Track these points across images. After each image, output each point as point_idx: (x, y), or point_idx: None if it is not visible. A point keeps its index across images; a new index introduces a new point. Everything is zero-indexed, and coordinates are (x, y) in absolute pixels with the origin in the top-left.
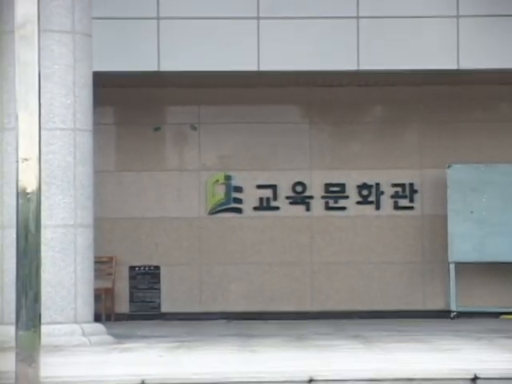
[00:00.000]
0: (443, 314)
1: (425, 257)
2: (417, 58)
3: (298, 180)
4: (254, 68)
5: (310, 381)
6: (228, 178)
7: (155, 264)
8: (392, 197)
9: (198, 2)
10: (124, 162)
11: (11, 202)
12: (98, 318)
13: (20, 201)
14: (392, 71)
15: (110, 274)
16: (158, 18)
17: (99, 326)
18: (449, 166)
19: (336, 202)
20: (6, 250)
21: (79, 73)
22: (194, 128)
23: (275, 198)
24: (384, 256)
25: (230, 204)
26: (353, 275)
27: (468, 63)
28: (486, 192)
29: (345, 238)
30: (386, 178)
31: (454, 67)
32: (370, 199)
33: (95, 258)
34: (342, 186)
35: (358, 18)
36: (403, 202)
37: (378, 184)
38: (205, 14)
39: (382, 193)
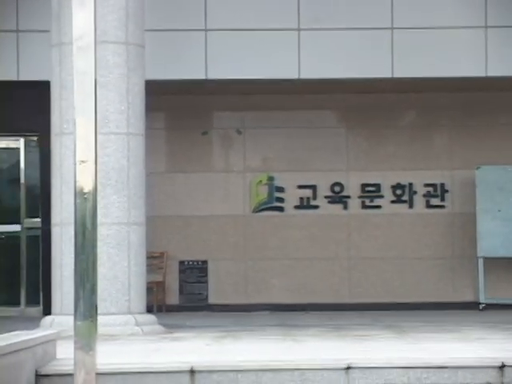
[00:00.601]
0: (472, 306)
1: (455, 252)
2: (447, 66)
3: (336, 180)
4: (294, 76)
5: (348, 368)
6: (271, 178)
7: (203, 259)
8: (424, 196)
9: (242, 14)
10: (174, 164)
11: (69, 201)
12: (150, 309)
13: (78, 200)
14: (424, 78)
15: (161, 268)
16: (206, 30)
17: (151, 317)
18: (477, 168)
19: (372, 201)
20: (64, 246)
21: (132, 81)
22: (239, 132)
23: (315, 198)
24: (416, 251)
25: (272, 203)
26: (387, 269)
27: (495, 71)
28: None
29: (380, 234)
30: (418, 179)
31: (482, 74)
32: (404, 198)
33: (147, 253)
34: (378, 186)
35: (392, 29)
36: (435, 201)
37: (411, 184)
38: (249, 26)
39: (415, 192)
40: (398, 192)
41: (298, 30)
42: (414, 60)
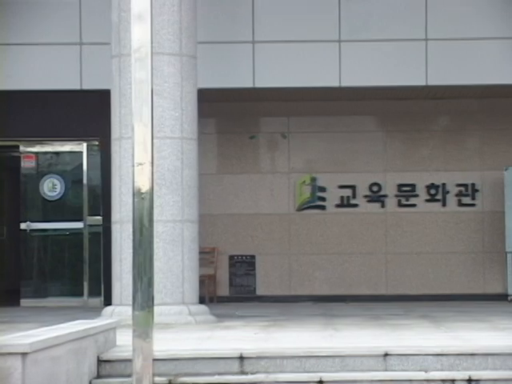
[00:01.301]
0: (501, 298)
1: (485, 247)
2: (477, 74)
3: (374, 181)
4: (335, 84)
5: (385, 355)
6: (313, 179)
7: (251, 253)
8: (456, 195)
9: (287, 28)
10: (224, 165)
11: (128, 200)
12: (202, 300)
13: (135, 199)
14: (455, 86)
15: (212, 263)
16: (253, 42)
17: (203, 307)
18: (506, 168)
19: (407, 200)
20: (123, 242)
21: (186, 89)
22: (284, 136)
23: (354, 197)
24: (449, 247)
25: (315, 202)
26: (422, 263)
27: None
28: None
29: (415, 231)
30: (451, 179)
31: (510, 82)
32: (437, 197)
33: (200, 248)
34: (413, 186)
35: (426, 40)
36: (466, 200)
37: (444, 184)
38: (293, 38)
39: (448, 192)
40: (432, 191)
41: (339, 41)
42: (447, 69)
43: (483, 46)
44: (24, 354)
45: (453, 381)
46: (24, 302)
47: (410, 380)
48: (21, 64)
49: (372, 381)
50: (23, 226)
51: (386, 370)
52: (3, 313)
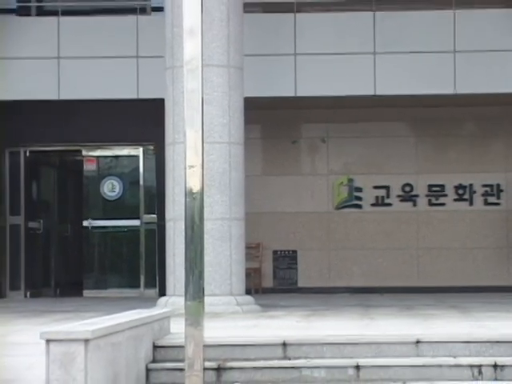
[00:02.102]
0: None
1: (509, 243)
2: (501, 83)
3: (406, 182)
4: (371, 93)
5: (417, 342)
6: (350, 180)
7: (293, 249)
8: (482, 195)
9: (326, 41)
10: (268, 168)
11: (181, 200)
12: (248, 292)
13: (187, 199)
14: (481, 94)
15: (257, 257)
16: (295, 54)
17: (249, 298)
18: None
19: (437, 199)
20: (176, 238)
21: (233, 98)
22: (323, 141)
23: (388, 196)
24: (476, 242)
25: (352, 201)
26: (451, 258)
27: None
28: None
29: (444, 228)
30: (477, 180)
31: None
32: (465, 197)
33: (246, 244)
34: (442, 186)
35: (454, 52)
36: (491, 199)
37: (471, 185)
38: (332, 50)
39: (475, 192)
40: (460, 191)
41: (374, 53)
42: (473, 78)
43: (506, 56)
44: (86, 341)
45: (479, 366)
46: (86, 292)
47: (440, 365)
48: (83, 76)
49: (405, 366)
50: (85, 223)
51: (417, 356)
52: (68, 303)
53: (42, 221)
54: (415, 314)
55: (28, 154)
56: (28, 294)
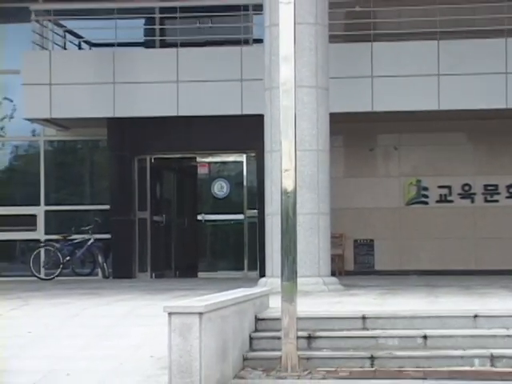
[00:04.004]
0: None
1: None
2: None
3: (465, 182)
4: (435, 107)
5: (475, 316)
6: (418, 181)
7: (370, 238)
8: None
9: (397, 65)
10: (349, 171)
11: (277, 198)
12: (333, 274)
13: (283, 197)
14: None
15: (340, 245)
16: (372, 77)
17: (334, 279)
18: None
19: (492, 196)
20: (274, 230)
21: (320, 113)
22: (395, 148)
23: (450, 195)
24: None
25: (419, 198)
26: (503, 246)
27: None
28: None
29: (497, 221)
30: None
31: None
32: None
33: (331, 234)
34: (496, 186)
35: (506, 73)
36: None
37: None
38: (402, 73)
39: None
40: (511, 190)
41: (438, 75)
42: None
43: None
44: (200, 314)
45: None
46: (200, 274)
47: (494, 336)
48: (197, 96)
49: (464, 336)
50: (199, 217)
51: (475, 328)
52: (185, 283)
53: (164, 215)
54: (472, 292)
55: (153, 160)
56: (153, 275)
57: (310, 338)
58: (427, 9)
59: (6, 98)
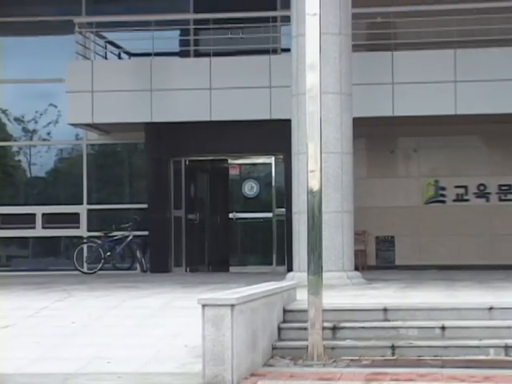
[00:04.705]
0: None
1: None
2: None
3: (481, 182)
4: (452, 112)
5: (490, 308)
6: (436, 181)
7: (391, 235)
8: None
9: (417, 72)
10: (372, 172)
11: (304, 197)
12: (356, 268)
13: (309, 196)
14: None
15: (363, 241)
16: (393, 83)
17: (357, 273)
18: None
19: (505, 196)
20: (301, 227)
21: (344, 118)
22: (414, 151)
23: (466, 194)
24: None
25: (437, 198)
26: None
27: None
28: None
29: (511, 219)
30: None
31: None
32: None
33: (354, 231)
34: (509, 186)
35: None
36: None
37: None
38: (421, 79)
39: None
40: None
41: (455, 81)
42: None
43: None
44: (232, 306)
45: None
46: (232, 268)
47: (509, 327)
48: (229, 102)
49: (480, 327)
50: (231, 215)
51: (490, 319)
52: (217, 277)
53: (198, 213)
54: (488, 286)
55: (187, 162)
56: (188, 269)
57: (334, 328)
58: (444, 20)
59: (51, 105)
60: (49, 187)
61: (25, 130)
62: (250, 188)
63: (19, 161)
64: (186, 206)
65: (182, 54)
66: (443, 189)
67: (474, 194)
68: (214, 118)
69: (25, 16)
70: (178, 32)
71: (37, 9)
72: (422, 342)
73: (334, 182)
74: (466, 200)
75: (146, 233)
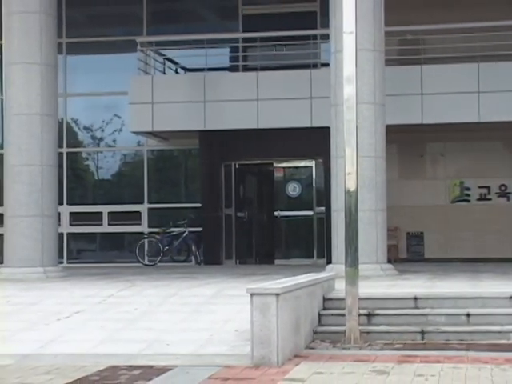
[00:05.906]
0: None
1: None
2: None
3: (502, 183)
4: (475, 120)
5: (511, 297)
6: (461, 182)
7: (421, 231)
8: None
9: (443, 83)
10: (403, 174)
11: (341, 197)
12: (389, 261)
13: (346, 196)
14: None
15: (395, 237)
16: (422, 94)
17: (390, 265)
18: None
19: None
20: (339, 223)
21: (377, 126)
22: (442, 155)
23: (489, 193)
24: None
25: (462, 197)
26: None
27: None
28: None
29: None
30: None
31: None
32: None
33: (387, 227)
34: None
35: None
36: None
37: None
38: (448, 90)
39: None
40: None
41: (478, 92)
42: None
43: None
44: (277, 295)
45: None
46: (277, 261)
47: None
48: (274, 111)
49: (502, 314)
50: (275, 213)
51: (511, 307)
52: (264, 269)
53: (246, 212)
54: (509, 277)
55: (237, 166)
56: (237, 261)
57: (369, 315)
58: (468, 36)
59: (115, 115)
60: (114, 188)
61: (93, 137)
62: (293, 189)
63: (88, 165)
64: (236, 205)
65: (232, 68)
66: (468, 189)
67: (496, 193)
68: (260, 126)
69: (93, 37)
70: (229, 49)
71: (103, 30)
72: (448, 327)
73: (368, 183)
74: (489, 199)
75: (200, 229)
